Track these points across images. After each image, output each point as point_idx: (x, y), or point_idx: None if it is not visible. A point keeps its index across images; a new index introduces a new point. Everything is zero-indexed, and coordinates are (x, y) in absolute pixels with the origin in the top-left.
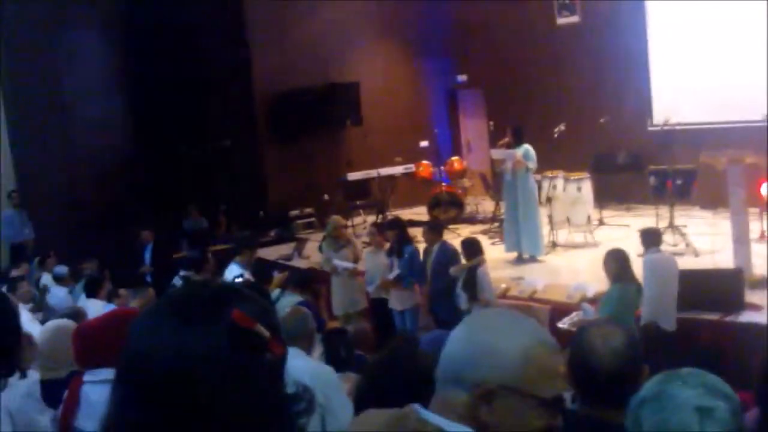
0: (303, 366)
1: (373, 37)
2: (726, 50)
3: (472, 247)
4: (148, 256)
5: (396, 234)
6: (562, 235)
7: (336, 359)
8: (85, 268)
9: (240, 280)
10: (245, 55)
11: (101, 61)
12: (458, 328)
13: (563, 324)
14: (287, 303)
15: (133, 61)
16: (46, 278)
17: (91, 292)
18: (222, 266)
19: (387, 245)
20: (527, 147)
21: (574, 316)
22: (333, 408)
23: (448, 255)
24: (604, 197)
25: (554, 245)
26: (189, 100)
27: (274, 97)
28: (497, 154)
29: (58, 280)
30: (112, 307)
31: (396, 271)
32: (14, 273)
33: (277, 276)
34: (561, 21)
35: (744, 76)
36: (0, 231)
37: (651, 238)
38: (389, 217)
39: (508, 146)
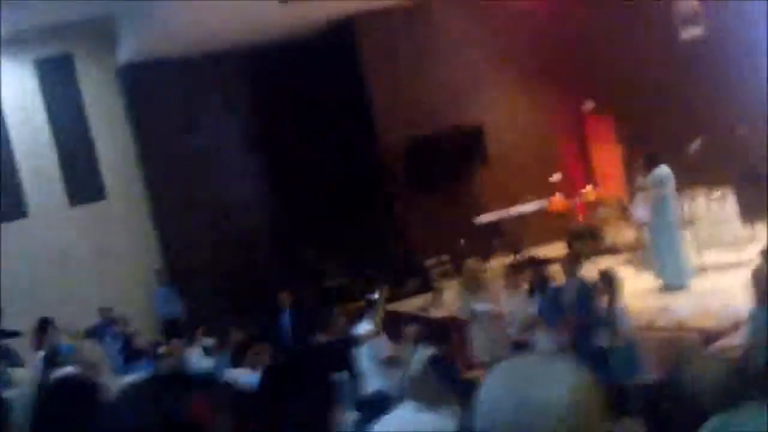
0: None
1: (494, 75)
2: None
3: (608, 280)
4: (287, 319)
5: (534, 272)
6: (711, 256)
7: None
8: (231, 338)
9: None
10: (367, 103)
11: (234, 132)
12: (490, 382)
13: (713, 348)
14: (420, 357)
15: (263, 128)
16: (196, 352)
17: (236, 362)
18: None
19: (524, 285)
20: (663, 170)
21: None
22: None
23: (585, 290)
24: (753, 210)
25: (702, 268)
26: (321, 161)
27: (398, 145)
28: (639, 182)
29: (207, 352)
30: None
31: (536, 313)
32: (161, 350)
33: (409, 330)
34: (684, 35)
35: None
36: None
37: None
38: (525, 257)
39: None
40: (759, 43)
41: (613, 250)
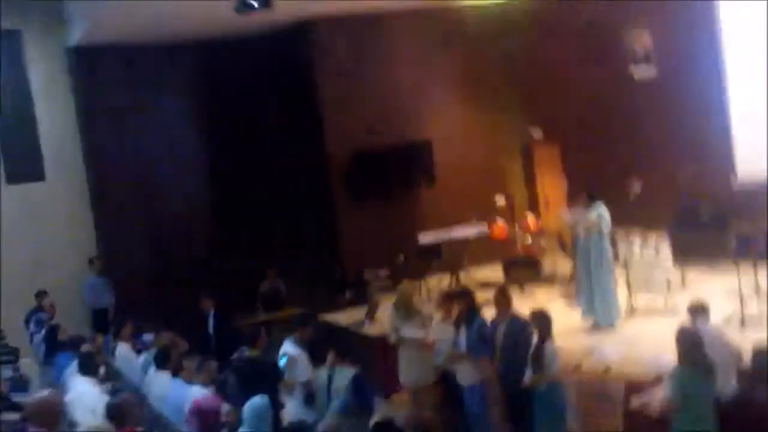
0: None
1: (445, 94)
2: None
3: (540, 320)
4: (211, 323)
5: (464, 303)
6: (642, 300)
7: None
8: (161, 339)
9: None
10: (319, 115)
11: (180, 126)
12: None
13: (635, 404)
14: (343, 377)
15: (210, 127)
16: (121, 348)
17: (161, 365)
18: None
19: (455, 314)
20: (601, 208)
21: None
22: None
23: (517, 329)
24: (686, 256)
25: (632, 310)
26: (265, 161)
27: (347, 157)
28: (569, 215)
29: (145, 347)
30: (178, 381)
31: (463, 344)
32: (85, 348)
33: (330, 354)
34: (636, 75)
35: None
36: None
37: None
38: (461, 280)
39: (584, 206)
40: (707, 86)
41: (549, 280)
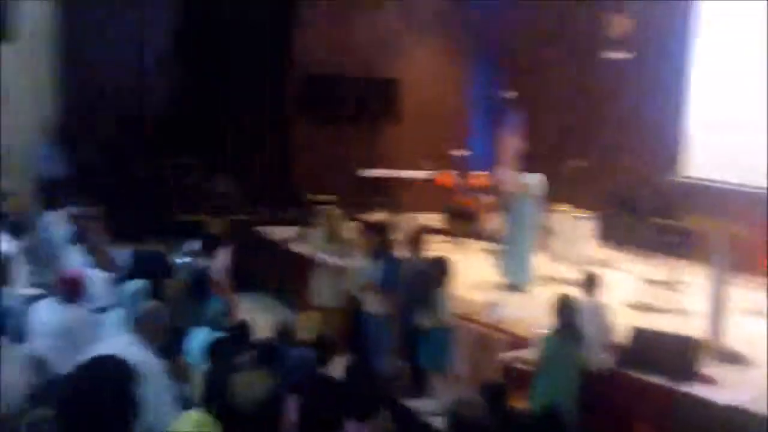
0: None
1: (425, 36)
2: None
3: (437, 266)
4: None
5: (382, 238)
6: (561, 270)
7: None
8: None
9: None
10: (291, 32)
11: (161, 22)
12: None
13: (505, 356)
14: None
15: (189, 27)
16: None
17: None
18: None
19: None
20: (537, 176)
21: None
22: None
23: (416, 270)
24: (614, 237)
25: (550, 279)
26: (232, 68)
27: (312, 79)
28: (504, 174)
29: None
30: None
31: (375, 276)
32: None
33: None
34: (610, 54)
35: None
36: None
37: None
38: (405, 220)
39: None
40: (673, 71)
41: (482, 236)
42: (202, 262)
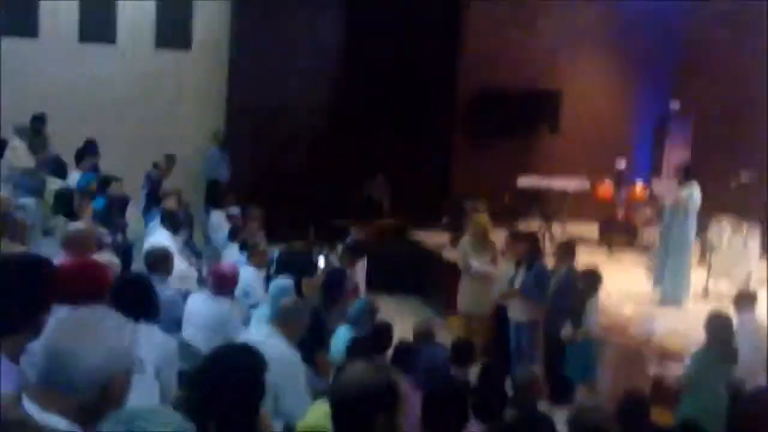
0: None
1: (588, 46)
2: None
3: (589, 278)
4: None
5: (527, 247)
6: (722, 286)
7: None
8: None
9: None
10: (456, 48)
11: (329, 33)
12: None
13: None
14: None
15: (354, 39)
16: (215, 216)
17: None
18: None
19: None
20: (693, 186)
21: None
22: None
23: (567, 281)
24: None
25: (706, 294)
26: (398, 80)
27: (476, 93)
28: (664, 186)
29: (229, 218)
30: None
31: (519, 283)
32: (169, 204)
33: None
34: None
35: None
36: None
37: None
38: (552, 230)
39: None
40: None
41: (643, 249)
42: (340, 264)
